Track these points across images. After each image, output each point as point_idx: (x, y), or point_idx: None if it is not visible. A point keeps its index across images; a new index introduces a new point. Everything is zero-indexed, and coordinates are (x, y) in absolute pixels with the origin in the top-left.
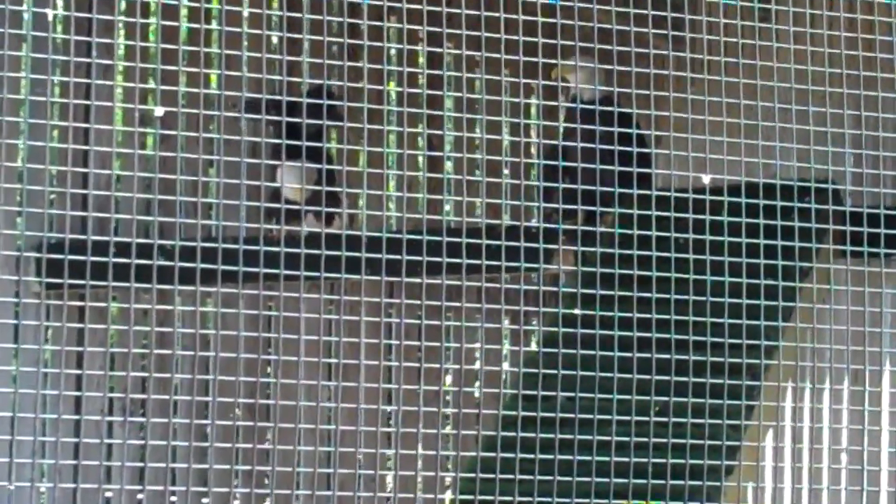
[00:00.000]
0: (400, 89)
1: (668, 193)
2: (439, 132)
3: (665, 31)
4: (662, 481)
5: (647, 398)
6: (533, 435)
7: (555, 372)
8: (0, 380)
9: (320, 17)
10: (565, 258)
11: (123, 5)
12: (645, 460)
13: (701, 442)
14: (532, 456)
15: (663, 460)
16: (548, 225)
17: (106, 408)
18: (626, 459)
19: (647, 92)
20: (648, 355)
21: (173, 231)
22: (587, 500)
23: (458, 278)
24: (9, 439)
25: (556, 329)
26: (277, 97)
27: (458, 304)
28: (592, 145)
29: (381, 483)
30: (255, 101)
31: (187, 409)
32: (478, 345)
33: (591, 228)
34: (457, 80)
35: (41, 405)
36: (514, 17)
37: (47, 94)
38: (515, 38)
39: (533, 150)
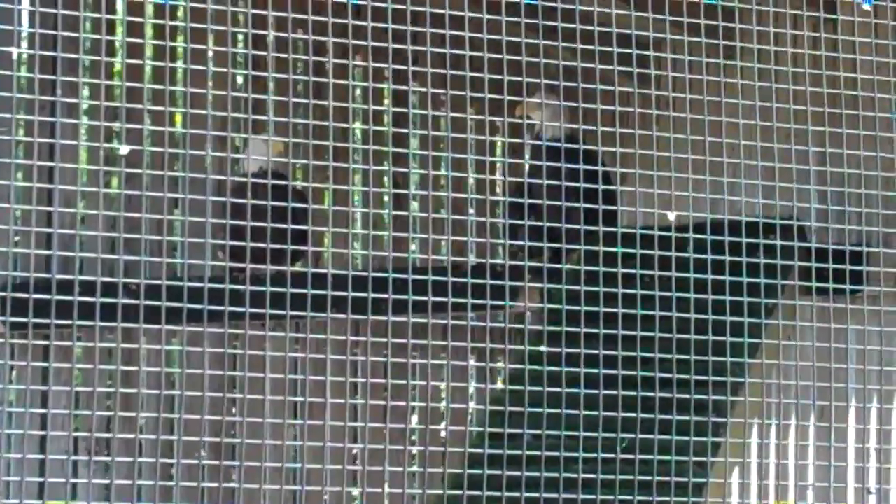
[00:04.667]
0: (365, 127)
1: (633, 230)
2: (404, 170)
3: (630, 69)
4: None
5: (614, 435)
6: (499, 473)
7: (521, 410)
8: None
9: (285, 56)
10: (531, 296)
11: (88, 44)
12: (611, 497)
13: (667, 479)
14: (499, 494)
15: (630, 497)
16: (513, 263)
17: (71, 448)
18: (592, 497)
19: (613, 129)
20: (615, 392)
21: (138, 270)
22: None
23: (423, 316)
24: None
25: (522, 367)
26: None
27: (424, 342)
28: (558, 183)
29: None
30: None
31: (152, 448)
32: (444, 383)
33: (556, 266)
34: (422, 119)
35: (5, 445)
36: (480, 54)
37: (11, 133)
38: (480, 75)
39: (498, 189)
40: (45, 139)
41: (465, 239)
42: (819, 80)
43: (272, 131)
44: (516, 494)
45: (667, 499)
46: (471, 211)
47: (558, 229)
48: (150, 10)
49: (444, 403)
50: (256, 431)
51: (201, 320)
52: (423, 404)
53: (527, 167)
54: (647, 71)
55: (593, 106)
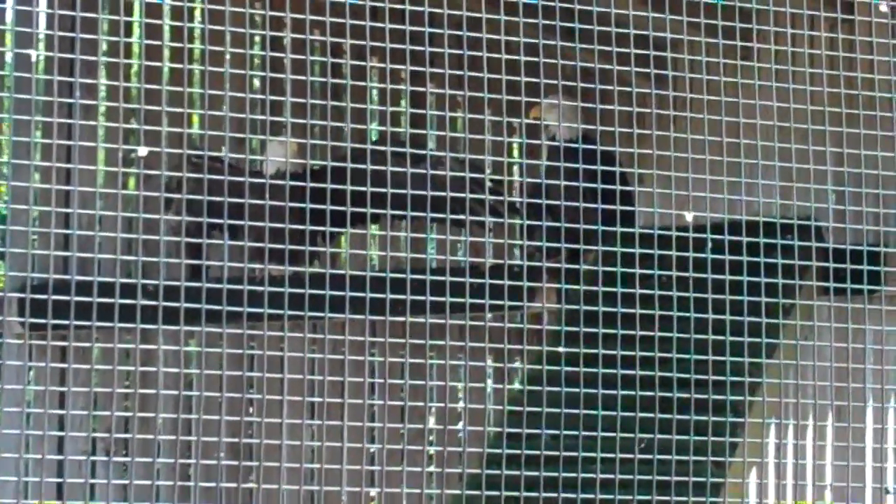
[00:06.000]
0: (382, 128)
1: (651, 231)
2: (422, 171)
3: (647, 70)
4: None
5: (632, 435)
6: (517, 473)
7: (539, 410)
8: None
9: (303, 58)
10: (549, 296)
11: (105, 46)
12: (629, 497)
13: (685, 479)
14: (516, 494)
15: (648, 497)
16: (531, 263)
17: (89, 448)
18: (610, 497)
19: (630, 130)
20: (632, 392)
21: (157, 271)
22: None
23: (441, 317)
24: None
25: (539, 367)
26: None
27: (441, 343)
28: (575, 183)
29: None
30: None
31: (171, 448)
32: (461, 383)
33: (574, 266)
34: (439, 120)
35: (24, 445)
36: (497, 56)
37: (30, 135)
38: (497, 77)
39: (515, 189)
40: (64, 141)
41: (482, 240)
42: (836, 80)
43: (289, 133)
44: (534, 494)
45: (685, 499)
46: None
47: (576, 230)
48: (167, 12)
49: (461, 404)
50: (274, 432)
51: (219, 321)
52: (441, 405)
53: (544, 168)
54: (664, 72)
55: (610, 107)
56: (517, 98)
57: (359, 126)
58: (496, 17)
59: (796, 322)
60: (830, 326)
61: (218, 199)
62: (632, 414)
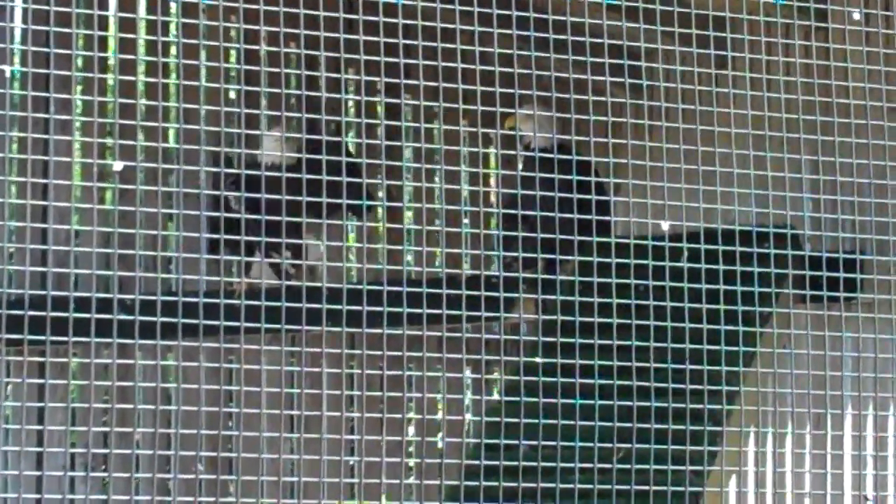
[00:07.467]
0: (358, 140)
1: (627, 240)
2: (398, 182)
3: (622, 79)
4: None
5: (610, 445)
6: (496, 484)
7: (517, 420)
8: None
9: (278, 71)
10: (526, 307)
11: (81, 61)
12: None
13: (664, 488)
14: None
15: None
16: (508, 274)
17: (68, 463)
18: None
19: (605, 139)
20: (610, 402)
21: (133, 285)
22: None
23: (419, 329)
24: None
25: (517, 378)
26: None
27: (419, 355)
28: (551, 193)
29: None
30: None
31: (149, 463)
32: (440, 395)
33: (551, 277)
34: (415, 131)
35: (2, 461)
36: (472, 67)
37: (5, 150)
38: (473, 87)
39: (492, 199)
40: (39, 156)
41: (459, 251)
42: (811, 88)
43: (264, 145)
44: None
45: None
46: (465, 222)
47: (552, 240)
48: (142, 26)
49: (440, 415)
50: (253, 445)
51: (197, 335)
52: (420, 416)
53: (520, 178)
54: (639, 81)
55: (586, 117)
56: (492, 108)
57: (335, 138)
58: (471, 27)
59: (773, 330)
60: (808, 334)
61: (194, 212)
62: (610, 424)
